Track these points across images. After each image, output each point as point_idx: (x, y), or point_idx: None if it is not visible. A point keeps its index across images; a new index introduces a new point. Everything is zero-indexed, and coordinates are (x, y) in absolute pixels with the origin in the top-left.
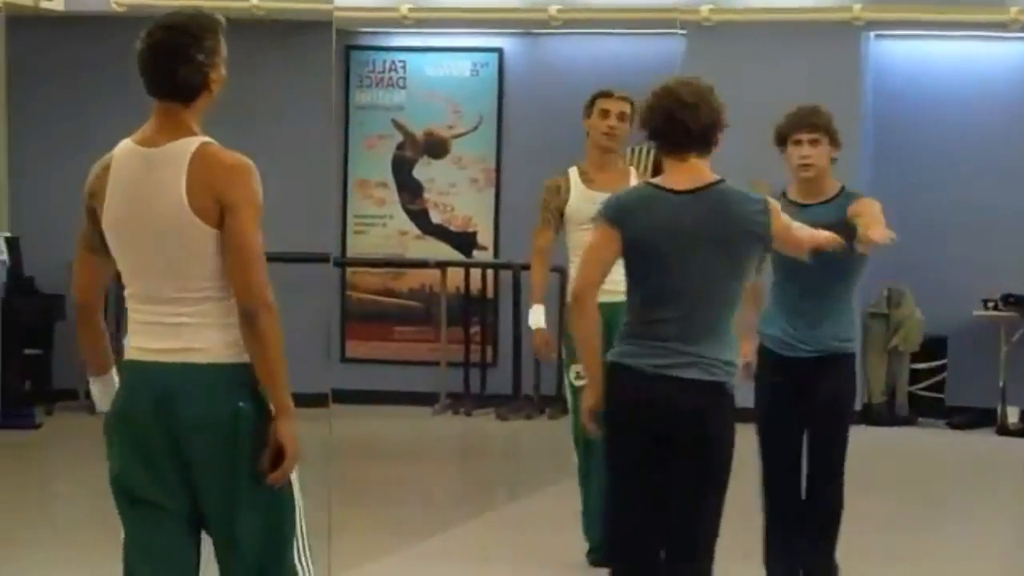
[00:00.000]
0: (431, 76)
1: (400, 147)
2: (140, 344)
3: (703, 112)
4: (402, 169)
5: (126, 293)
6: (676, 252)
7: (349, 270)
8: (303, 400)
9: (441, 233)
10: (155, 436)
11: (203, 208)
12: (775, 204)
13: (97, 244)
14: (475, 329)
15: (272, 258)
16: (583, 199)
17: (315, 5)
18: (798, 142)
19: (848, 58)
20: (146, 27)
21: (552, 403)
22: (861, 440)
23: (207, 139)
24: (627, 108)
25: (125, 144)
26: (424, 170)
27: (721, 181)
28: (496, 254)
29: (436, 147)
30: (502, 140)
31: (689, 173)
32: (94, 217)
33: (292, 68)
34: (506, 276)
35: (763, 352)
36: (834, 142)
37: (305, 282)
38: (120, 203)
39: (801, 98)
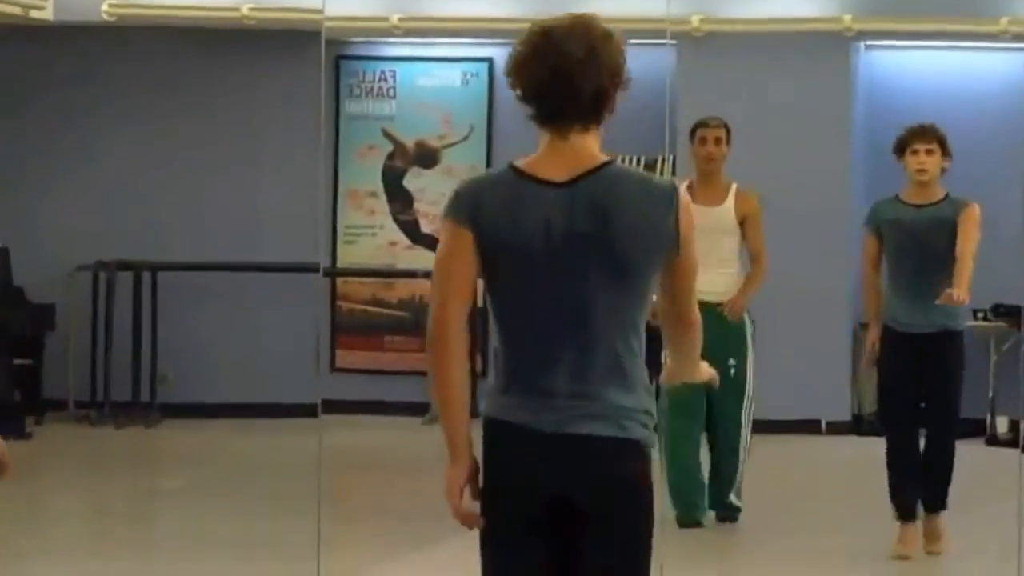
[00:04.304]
0: (421, 86)
1: (390, 157)
2: None
3: (593, 69)
4: (392, 179)
5: None
6: (552, 266)
7: (339, 280)
8: (293, 410)
9: (431, 243)
10: None
11: None
12: (686, 198)
13: None
14: None
15: (262, 268)
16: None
17: (305, 15)
18: (915, 151)
19: (839, 69)
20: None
21: None
22: (855, 450)
23: None
24: (722, 134)
25: None
26: (415, 180)
27: (610, 163)
28: None
29: (427, 157)
30: (492, 150)
31: (568, 155)
32: None
33: (282, 78)
34: None
35: (884, 331)
36: (946, 153)
37: (295, 293)
38: None
39: (791, 107)
